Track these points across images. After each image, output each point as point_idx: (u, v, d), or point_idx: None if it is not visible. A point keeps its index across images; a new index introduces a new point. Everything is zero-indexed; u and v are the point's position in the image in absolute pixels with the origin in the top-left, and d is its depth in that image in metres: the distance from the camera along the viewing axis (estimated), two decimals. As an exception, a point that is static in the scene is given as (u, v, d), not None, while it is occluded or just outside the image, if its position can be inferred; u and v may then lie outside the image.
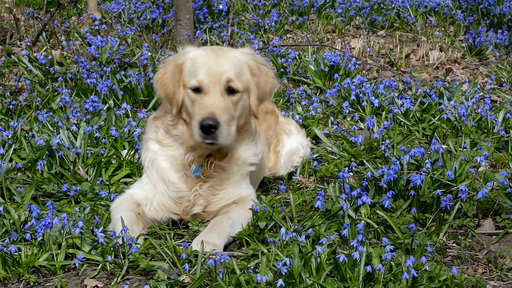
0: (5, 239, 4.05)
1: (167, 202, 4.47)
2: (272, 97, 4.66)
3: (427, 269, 3.71)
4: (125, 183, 5.22)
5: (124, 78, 7.49)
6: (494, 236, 4.36)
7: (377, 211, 4.36)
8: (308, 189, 5.22)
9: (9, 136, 5.77)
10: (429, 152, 5.19)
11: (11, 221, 4.29)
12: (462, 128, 6.20)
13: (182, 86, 4.38)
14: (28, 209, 4.30)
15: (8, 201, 4.77)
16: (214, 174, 4.45)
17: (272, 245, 3.98)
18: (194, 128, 4.25)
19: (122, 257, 3.93)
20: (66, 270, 3.93)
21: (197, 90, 4.32)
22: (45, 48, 8.95)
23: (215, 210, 4.49)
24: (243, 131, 4.49)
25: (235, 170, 4.49)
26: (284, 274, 3.61)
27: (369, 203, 4.34)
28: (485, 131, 6.23)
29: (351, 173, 5.35)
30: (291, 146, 5.51)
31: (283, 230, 4.04)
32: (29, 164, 5.34)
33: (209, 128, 4.17)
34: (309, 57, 8.51)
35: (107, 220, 4.43)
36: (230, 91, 4.31)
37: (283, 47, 8.83)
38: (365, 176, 4.77)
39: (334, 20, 10.98)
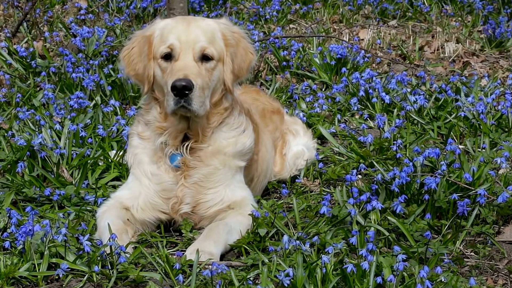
0: (-17, 248, 4.06)
1: (153, 198, 4.49)
2: (251, 74, 4.66)
3: (443, 280, 3.71)
4: (113, 187, 5.22)
5: (112, 72, 7.50)
6: (516, 245, 4.37)
7: (388, 217, 4.36)
8: (313, 193, 5.23)
9: (-13, 136, 5.78)
10: (445, 153, 5.19)
11: (-11, 228, 4.29)
12: (481, 127, 6.20)
13: (153, 58, 4.43)
14: (8, 215, 4.29)
15: (-14, 206, 4.77)
16: (196, 164, 4.44)
17: (273, 254, 3.98)
18: (167, 96, 4.27)
19: (110, 267, 3.93)
20: (49, 281, 3.93)
21: (168, 57, 4.37)
22: (26, 39, 8.95)
23: (208, 214, 4.50)
24: (221, 111, 4.48)
25: (217, 163, 4.48)
26: (286, 285, 3.61)
27: (380, 209, 4.34)
28: (506, 130, 6.23)
29: (359, 176, 5.35)
30: (296, 148, 5.52)
31: (285, 237, 4.04)
32: (9, 166, 5.34)
33: (182, 89, 4.19)
34: (314, 50, 8.51)
35: (94, 227, 4.43)
36: (205, 58, 4.35)
37: (285, 39, 8.83)
38: (375, 179, 4.77)
39: (341, 9, 10.98)
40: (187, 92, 4.20)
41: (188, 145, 4.44)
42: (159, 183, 4.49)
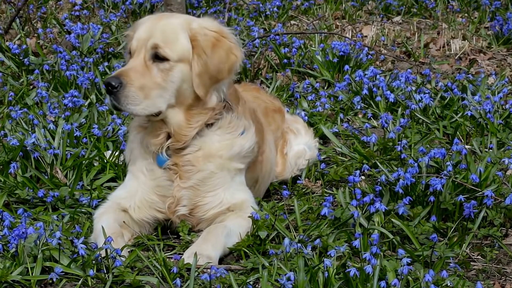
0: (-26, 251, 4.06)
1: (149, 196, 4.49)
2: (235, 76, 4.55)
3: (449, 284, 3.71)
4: (109, 188, 5.22)
5: (107, 70, 7.49)
6: (524, 248, 4.37)
7: (392, 220, 4.36)
8: (314, 194, 5.23)
9: (-21, 135, 5.78)
10: (451, 153, 5.19)
11: (-19, 231, 4.29)
12: (488, 126, 6.20)
13: None
14: (0, 217, 4.30)
15: (-23, 208, 4.77)
16: (189, 169, 4.44)
17: (274, 258, 3.98)
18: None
19: (105, 271, 3.93)
20: (42, 285, 3.93)
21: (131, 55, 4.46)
22: (18, 36, 8.95)
23: (207, 217, 4.50)
24: (204, 111, 4.42)
25: (213, 168, 4.46)
26: (287, 290, 3.61)
27: (383, 211, 4.34)
28: (514, 129, 6.25)
29: (363, 177, 5.35)
30: (298, 148, 5.51)
31: (286, 240, 4.04)
32: (1, 167, 5.34)
33: (107, 86, 4.26)
34: (316, 47, 8.51)
35: (89, 229, 4.43)
36: (158, 58, 4.35)
37: (286, 36, 8.83)
38: (379, 180, 4.77)
39: (344, 5, 10.98)
40: (110, 88, 4.25)
41: (167, 144, 4.43)
42: (153, 178, 4.49)
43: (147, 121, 4.49)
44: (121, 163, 5.42)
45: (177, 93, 4.37)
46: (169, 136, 4.45)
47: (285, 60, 8.23)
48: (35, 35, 9.10)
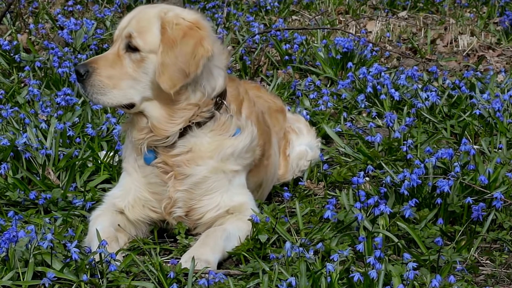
0: (-37, 255, 4.06)
1: (142, 194, 4.49)
2: (198, 68, 4.29)
3: (456, 290, 3.72)
4: (103, 190, 5.22)
5: (102, 67, 7.49)
6: (535, 252, 4.37)
7: (398, 223, 4.36)
8: (317, 196, 5.23)
9: (-32, 135, 5.78)
10: (459, 154, 5.19)
11: (-30, 234, 4.29)
12: (497, 126, 6.20)
13: None
14: (-10, 220, 4.30)
15: (-34, 210, 4.77)
16: (182, 170, 4.43)
17: (275, 262, 3.98)
18: None
19: (99, 276, 3.93)
20: (34, 291, 3.94)
21: None
22: (9, 32, 8.95)
23: (205, 221, 4.49)
24: (188, 107, 4.37)
25: (205, 172, 4.44)
26: (288, 296, 3.62)
27: (388, 213, 4.34)
28: (524, 129, 6.25)
29: (367, 178, 5.35)
30: (299, 148, 5.50)
31: (288, 244, 4.04)
32: (-9, 168, 5.34)
33: (76, 74, 4.33)
34: (318, 43, 8.51)
35: (82, 232, 4.44)
36: (131, 48, 4.36)
37: (287, 31, 8.84)
38: (384, 181, 4.77)
39: None
40: (79, 77, 4.31)
41: (146, 138, 4.41)
42: (144, 176, 4.49)
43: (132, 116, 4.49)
44: (115, 163, 5.42)
45: (152, 86, 4.35)
46: (151, 132, 4.44)
47: (286, 57, 8.24)
48: (27, 30, 9.11)
